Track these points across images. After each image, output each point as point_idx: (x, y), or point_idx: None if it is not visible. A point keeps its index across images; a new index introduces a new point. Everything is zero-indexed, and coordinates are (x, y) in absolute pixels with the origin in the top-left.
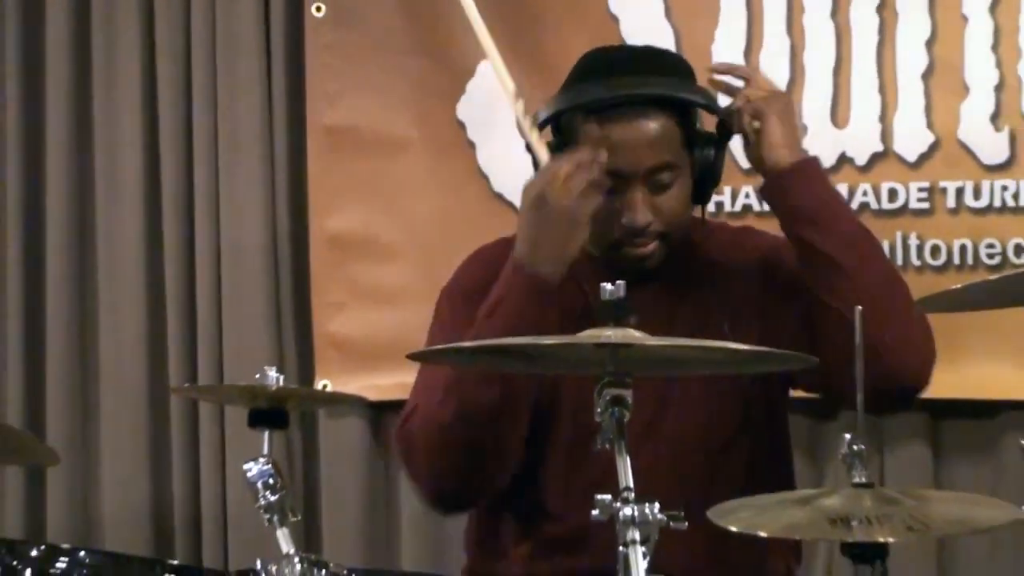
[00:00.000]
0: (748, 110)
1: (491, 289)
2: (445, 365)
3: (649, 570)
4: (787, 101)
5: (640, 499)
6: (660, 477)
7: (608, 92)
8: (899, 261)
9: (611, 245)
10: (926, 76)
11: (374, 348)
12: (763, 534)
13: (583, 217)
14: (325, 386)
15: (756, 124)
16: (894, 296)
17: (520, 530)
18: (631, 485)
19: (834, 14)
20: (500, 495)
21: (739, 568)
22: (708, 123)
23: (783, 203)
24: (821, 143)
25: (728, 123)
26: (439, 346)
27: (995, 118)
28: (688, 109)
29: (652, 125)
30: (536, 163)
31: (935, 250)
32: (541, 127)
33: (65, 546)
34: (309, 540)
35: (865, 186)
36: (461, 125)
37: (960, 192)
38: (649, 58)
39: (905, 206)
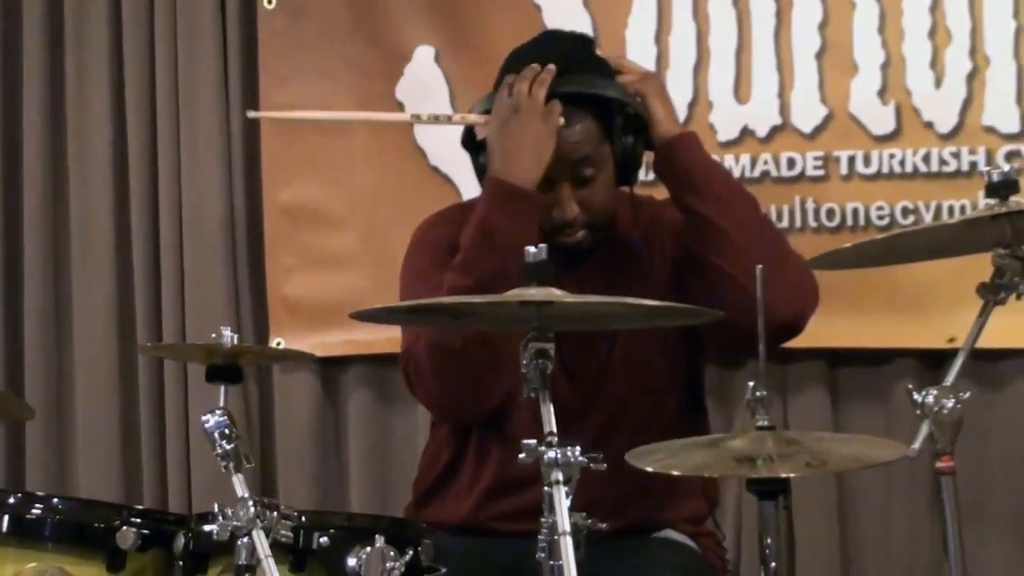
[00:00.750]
0: (630, 92)
1: (455, 244)
2: (430, 295)
3: (572, 507)
4: (660, 81)
5: (562, 443)
6: (607, 430)
7: None
8: (797, 224)
9: (544, 235)
10: (819, 56)
11: (322, 309)
12: (676, 472)
13: (553, 119)
14: (279, 343)
15: (639, 99)
16: (768, 252)
17: (477, 470)
18: (554, 430)
19: (735, 1)
20: (483, 421)
21: (657, 506)
22: None
23: (674, 172)
24: (725, 118)
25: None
26: (377, 307)
27: (882, 93)
28: (603, 103)
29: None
30: (472, 137)
31: (830, 213)
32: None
33: (40, 493)
34: (265, 485)
35: (766, 156)
36: (400, 105)
37: (852, 160)
38: (563, 56)
39: (802, 174)
